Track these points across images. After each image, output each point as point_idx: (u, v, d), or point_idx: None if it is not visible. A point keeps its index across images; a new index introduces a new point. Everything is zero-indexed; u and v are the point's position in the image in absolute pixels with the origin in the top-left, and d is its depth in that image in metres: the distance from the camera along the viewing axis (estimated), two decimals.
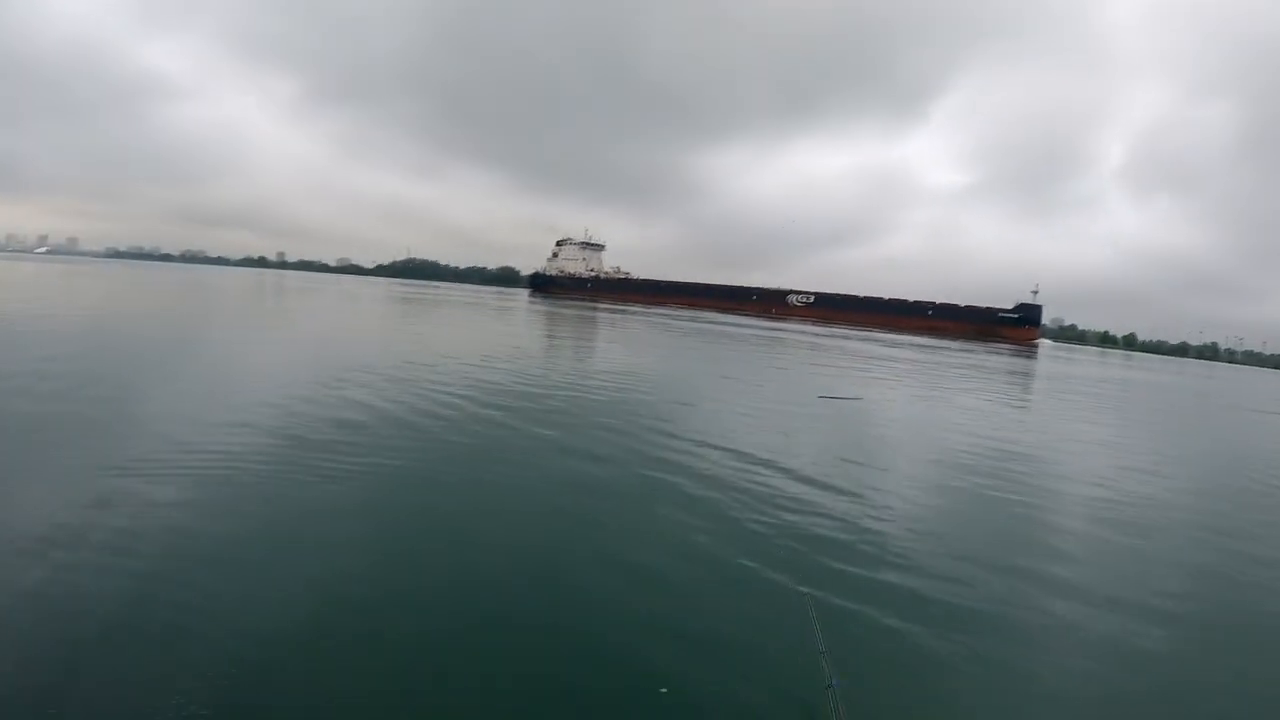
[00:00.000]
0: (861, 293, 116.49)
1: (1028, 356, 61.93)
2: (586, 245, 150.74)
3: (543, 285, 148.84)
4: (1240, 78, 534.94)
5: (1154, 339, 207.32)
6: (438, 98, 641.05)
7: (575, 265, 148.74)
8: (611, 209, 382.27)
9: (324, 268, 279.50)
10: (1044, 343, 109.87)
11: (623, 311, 71.17)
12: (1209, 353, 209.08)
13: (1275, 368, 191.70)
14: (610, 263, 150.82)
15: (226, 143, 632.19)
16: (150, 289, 46.68)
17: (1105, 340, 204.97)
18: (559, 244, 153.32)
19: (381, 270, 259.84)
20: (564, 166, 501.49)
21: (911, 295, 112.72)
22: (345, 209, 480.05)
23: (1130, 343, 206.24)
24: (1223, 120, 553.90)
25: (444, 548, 5.53)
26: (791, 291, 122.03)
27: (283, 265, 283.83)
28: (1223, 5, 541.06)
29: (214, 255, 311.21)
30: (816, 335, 56.23)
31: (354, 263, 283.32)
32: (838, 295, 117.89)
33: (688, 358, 26.26)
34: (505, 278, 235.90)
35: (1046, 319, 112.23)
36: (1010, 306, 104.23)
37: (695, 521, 6.48)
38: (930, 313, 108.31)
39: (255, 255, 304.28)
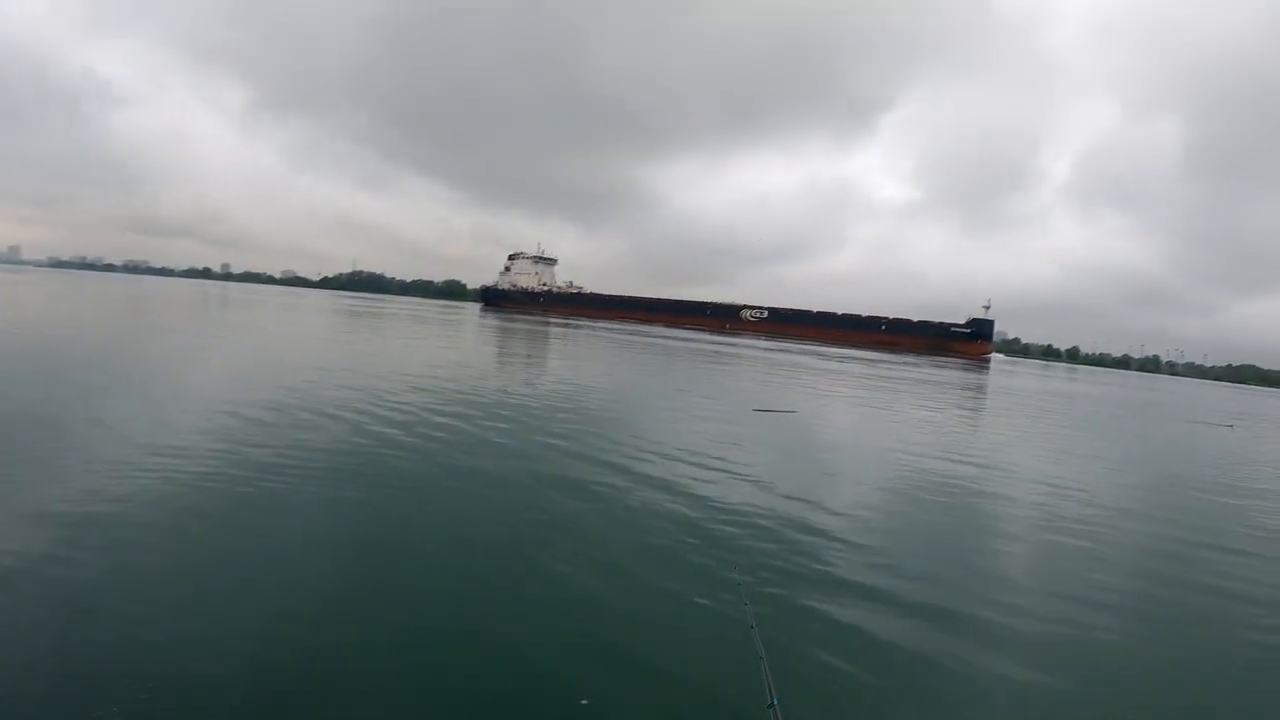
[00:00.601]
0: (815, 308, 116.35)
1: (979, 370, 61.49)
2: (539, 259, 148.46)
3: (494, 299, 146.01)
4: (1183, 96, 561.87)
5: (1096, 352, 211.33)
6: (386, 108, 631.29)
7: (527, 279, 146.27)
8: (557, 222, 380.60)
9: (269, 279, 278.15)
10: (996, 357, 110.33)
11: (574, 326, 69.70)
12: (1151, 365, 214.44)
13: (1216, 380, 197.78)
14: (561, 277, 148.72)
15: (173, 151, 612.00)
16: (90, 302, 42.87)
17: (1048, 354, 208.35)
18: (511, 258, 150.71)
19: (327, 283, 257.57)
20: (511, 179, 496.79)
21: (863, 310, 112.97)
22: (292, 220, 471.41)
23: (1074, 356, 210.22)
24: (1166, 138, 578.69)
25: (374, 561, 5.43)
26: (745, 307, 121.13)
27: (227, 277, 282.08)
28: (1166, 26, 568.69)
29: (158, 266, 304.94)
30: (768, 350, 55.03)
31: (299, 275, 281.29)
32: (790, 310, 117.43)
33: (631, 373, 25.13)
34: (452, 291, 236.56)
35: None
36: (962, 321, 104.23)
37: (626, 535, 6.44)
38: (884, 328, 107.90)
39: (200, 266, 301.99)
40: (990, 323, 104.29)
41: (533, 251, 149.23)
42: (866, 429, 15.63)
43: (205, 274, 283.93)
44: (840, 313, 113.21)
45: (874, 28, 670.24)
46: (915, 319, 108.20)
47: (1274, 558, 7.88)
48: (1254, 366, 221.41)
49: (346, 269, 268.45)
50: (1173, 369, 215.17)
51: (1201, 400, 53.49)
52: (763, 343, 73.47)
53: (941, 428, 16.79)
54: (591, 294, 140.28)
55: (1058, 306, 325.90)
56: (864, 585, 5.68)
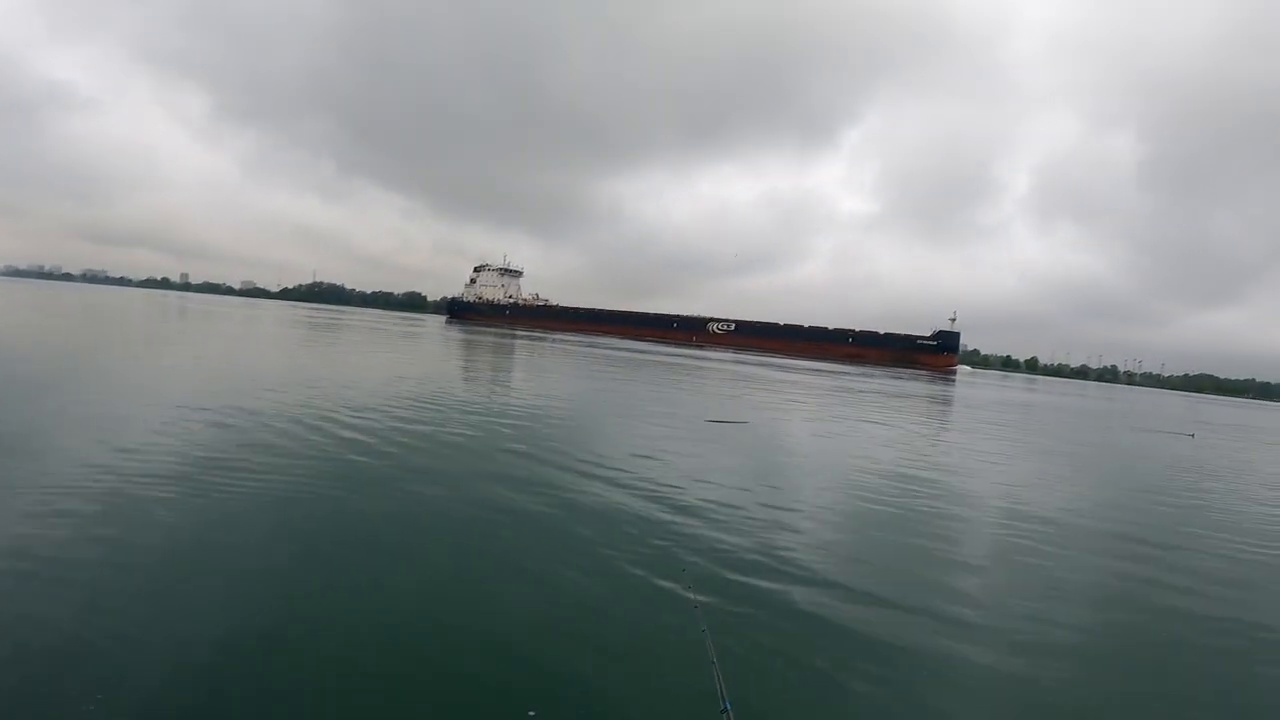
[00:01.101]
0: (782, 320, 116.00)
1: (945, 382, 61.08)
2: (505, 271, 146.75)
3: (460, 312, 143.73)
4: (1140, 110, 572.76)
5: (1055, 363, 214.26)
6: (346, 118, 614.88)
7: (493, 292, 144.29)
8: (518, 234, 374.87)
9: (229, 290, 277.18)
10: (962, 369, 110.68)
11: (540, 339, 67.81)
12: (1109, 375, 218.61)
13: (1174, 389, 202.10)
14: (527, 289, 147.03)
15: (132, 159, 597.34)
16: (44, 311, 41.18)
17: (1008, 364, 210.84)
18: (477, 270, 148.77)
19: (287, 294, 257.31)
20: (471, 190, 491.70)
21: (829, 323, 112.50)
22: (251, 230, 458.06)
23: (1033, 366, 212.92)
24: (1122, 151, 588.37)
25: (321, 572, 5.26)
26: (712, 319, 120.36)
27: (186, 287, 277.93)
28: (1124, 40, 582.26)
29: (116, 276, 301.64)
30: (736, 362, 53.74)
31: (259, 286, 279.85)
32: (758, 323, 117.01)
33: (592, 385, 24.16)
34: (412, 303, 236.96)
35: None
36: (928, 334, 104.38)
37: (570, 544, 6.31)
38: (851, 340, 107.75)
39: (158, 276, 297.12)
40: (956, 335, 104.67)
41: (498, 263, 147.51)
42: (820, 440, 15.29)
43: (164, 284, 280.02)
44: (807, 325, 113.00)
45: (837, 41, 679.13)
46: (882, 331, 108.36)
47: (1232, 564, 7.88)
48: (1210, 376, 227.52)
49: (306, 280, 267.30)
50: (1130, 379, 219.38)
51: (1161, 409, 53.86)
52: (731, 355, 72.58)
53: (895, 438, 16.58)
54: (558, 307, 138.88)
55: (1016, 318, 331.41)
56: (814, 588, 5.70)
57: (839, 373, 54.59)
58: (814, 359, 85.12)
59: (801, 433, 16.26)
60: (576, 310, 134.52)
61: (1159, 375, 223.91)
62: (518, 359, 35.26)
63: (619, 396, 20.73)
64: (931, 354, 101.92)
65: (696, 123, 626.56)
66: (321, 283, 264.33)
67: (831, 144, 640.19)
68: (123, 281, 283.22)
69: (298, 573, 5.20)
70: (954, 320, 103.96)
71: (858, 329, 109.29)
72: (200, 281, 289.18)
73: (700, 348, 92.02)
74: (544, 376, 25.91)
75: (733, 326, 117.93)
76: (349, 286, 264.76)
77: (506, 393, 18.79)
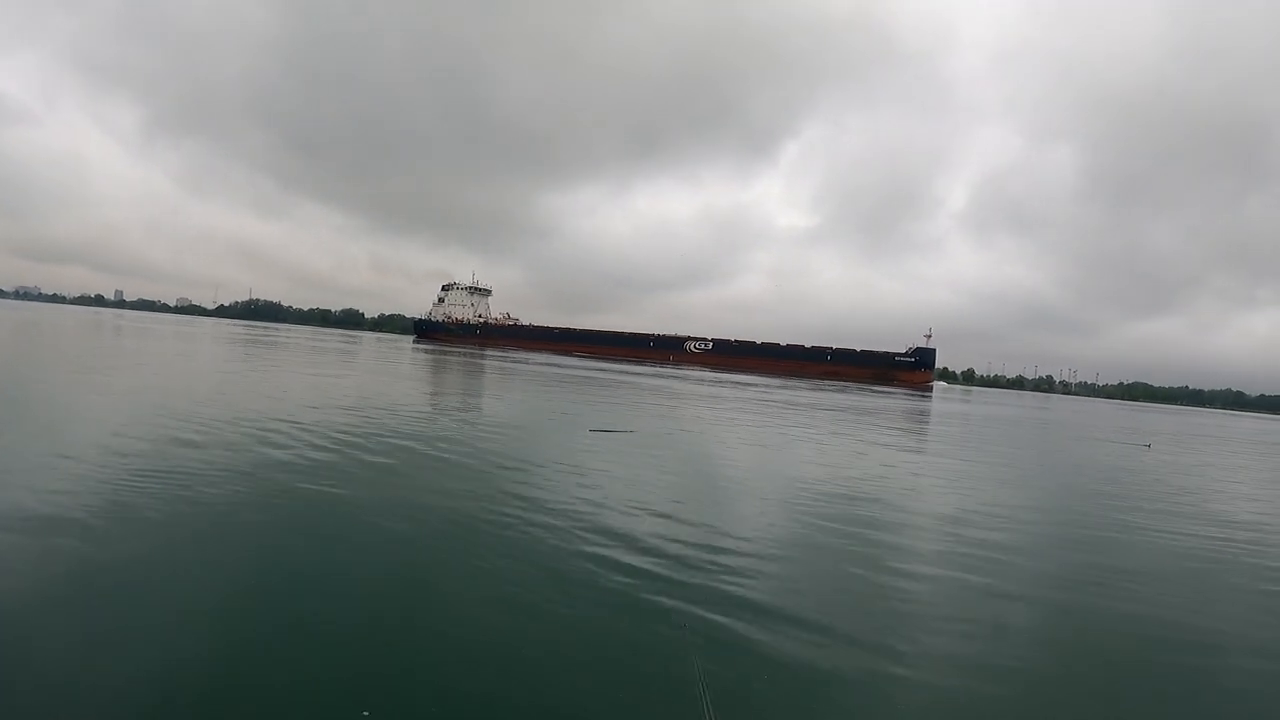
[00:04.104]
0: (760, 339, 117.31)
1: (922, 398, 62.08)
2: (474, 290, 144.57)
3: (428, 331, 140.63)
4: (1079, 124, 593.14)
5: (991, 374, 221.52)
6: (283, 132, 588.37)
7: (463, 311, 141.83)
8: (457, 250, 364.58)
9: (164, 308, 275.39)
10: (938, 384, 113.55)
11: (512, 359, 64.87)
12: (1045, 385, 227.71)
13: (1109, 398, 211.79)
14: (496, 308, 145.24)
15: (64, 172, 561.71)
16: None
17: (943, 376, 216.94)
18: (445, 289, 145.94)
19: (223, 311, 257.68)
20: (411, 207, 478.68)
21: (778, 339, 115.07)
22: (187, 247, 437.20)
23: (969, 378, 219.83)
24: (1062, 164, 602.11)
25: (278, 594, 5.00)
26: (689, 339, 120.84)
27: (121, 304, 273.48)
28: (1063, 55, 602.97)
29: (49, 293, 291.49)
30: (714, 382, 52.42)
31: (195, 303, 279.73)
32: (736, 341, 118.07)
33: (553, 410, 21.57)
34: (349, 320, 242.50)
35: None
36: (904, 350, 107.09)
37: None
38: (829, 358, 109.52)
39: (93, 294, 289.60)
40: (932, 351, 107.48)
41: (467, 282, 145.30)
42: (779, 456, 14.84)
43: (99, 301, 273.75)
44: (784, 344, 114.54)
45: (776, 56, 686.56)
46: (859, 349, 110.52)
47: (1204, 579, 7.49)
48: (1144, 384, 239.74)
49: (243, 297, 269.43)
50: (1066, 388, 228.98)
51: (1102, 418, 54.45)
52: (709, 374, 71.16)
53: (846, 452, 16.16)
54: (530, 326, 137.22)
55: (951, 329, 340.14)
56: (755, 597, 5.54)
57: (822, 389, 54.65)
58: (793, 377, 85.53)
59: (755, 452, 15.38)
60: (549, 330, 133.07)
61: (1094, 385, 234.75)
62: (490, 382, 33.03)
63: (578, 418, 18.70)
64: (909, 370, 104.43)
65: (637, 137, 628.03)
66: (259, 300, 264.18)
67: (769, 158, 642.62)
68: (55, 299, 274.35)
69: (236, 604, 4.83)
70: (929, 337, 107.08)
71: (835, 346, 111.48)
72: (135, 299, 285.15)
73: (678, 366, 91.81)
74: (512, 402, 23.80)
75: (710, 345, 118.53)
76: (286, 304, 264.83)
77: (476, 421, 16.69)
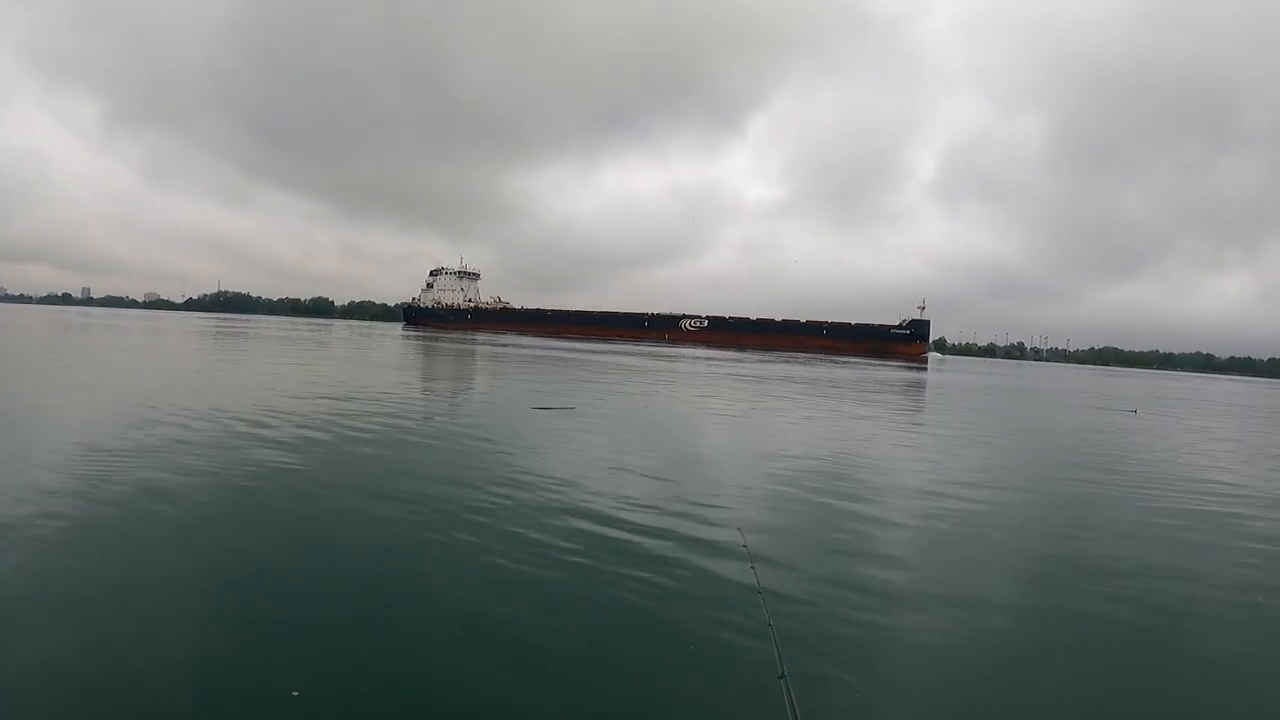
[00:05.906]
0: (754, 315, 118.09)
1: (918, 369, 62.82)
2: (463, 275, 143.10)
3: (417, 318, 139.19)
4: (1049, 92, 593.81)
5: (963, 342, 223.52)
6: (245, 120, 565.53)
7: (452, 296, 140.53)
8: (425, 234, 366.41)
9: (132, 303, 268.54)
10: (933, 355, 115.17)
11: (504, 344, 62.79)
12: (1016, 353, 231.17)
13: (1080, 364, 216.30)
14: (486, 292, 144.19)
15: (23, 169, 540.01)
16: None
17: (938, 347, 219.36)
18: (433, 274, 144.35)
19: (192, 305, 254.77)
20: (376, 191, 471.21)
21: (752, 313, 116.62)
22: (152, 241, 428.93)
23: (940, 347, 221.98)
24: (1031, 132, 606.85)
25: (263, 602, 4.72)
26: (685, 316, 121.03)
27: (88, 302, 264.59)
28: (1032, 22, 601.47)
29: (15, 293, 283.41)
30: (710, 359, 52.43)
31: (163, 298, 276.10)
32: (732, 319, 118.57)
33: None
34: (319, 309, 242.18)
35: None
36: (897, 322, 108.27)
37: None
38: (825, 333, 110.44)
39: (59, 292, 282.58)
40: (926, 323, 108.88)
41: (455, 266, 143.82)
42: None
43: (65, 299, 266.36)
44: (780, 319, 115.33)
45: (743, 27, 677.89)
46: (854, 323, 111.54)
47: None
48: (1115, 349, 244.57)
49: (211, 290, 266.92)
50: (1038, 355, 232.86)
51: (1076, 383, 54.63)
52: (705, 352, 70.71)
53: (825, 422, 16.68)
54: (521, 309, 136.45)
55: (922, 299, 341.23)
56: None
57: (816, 361, 55.15)
58: (790, 352, 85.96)
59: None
60: (540, 312, 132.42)
61: (1065, 350, 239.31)
62: (480, 367, 32.06)
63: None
64: (904, 343, 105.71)
65: (603, 114, 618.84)
66: (227, 292, 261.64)
67: (738, 131, 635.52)
68: (21, 299, 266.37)
69: (215, 597, 4.76)
70: (923, 309, 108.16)
71: (830, 321, 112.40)
72: (102, 295, 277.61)
73: (675, 345, 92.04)
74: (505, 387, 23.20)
75: (705, 323, 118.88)
76: (255, 295, 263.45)
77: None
